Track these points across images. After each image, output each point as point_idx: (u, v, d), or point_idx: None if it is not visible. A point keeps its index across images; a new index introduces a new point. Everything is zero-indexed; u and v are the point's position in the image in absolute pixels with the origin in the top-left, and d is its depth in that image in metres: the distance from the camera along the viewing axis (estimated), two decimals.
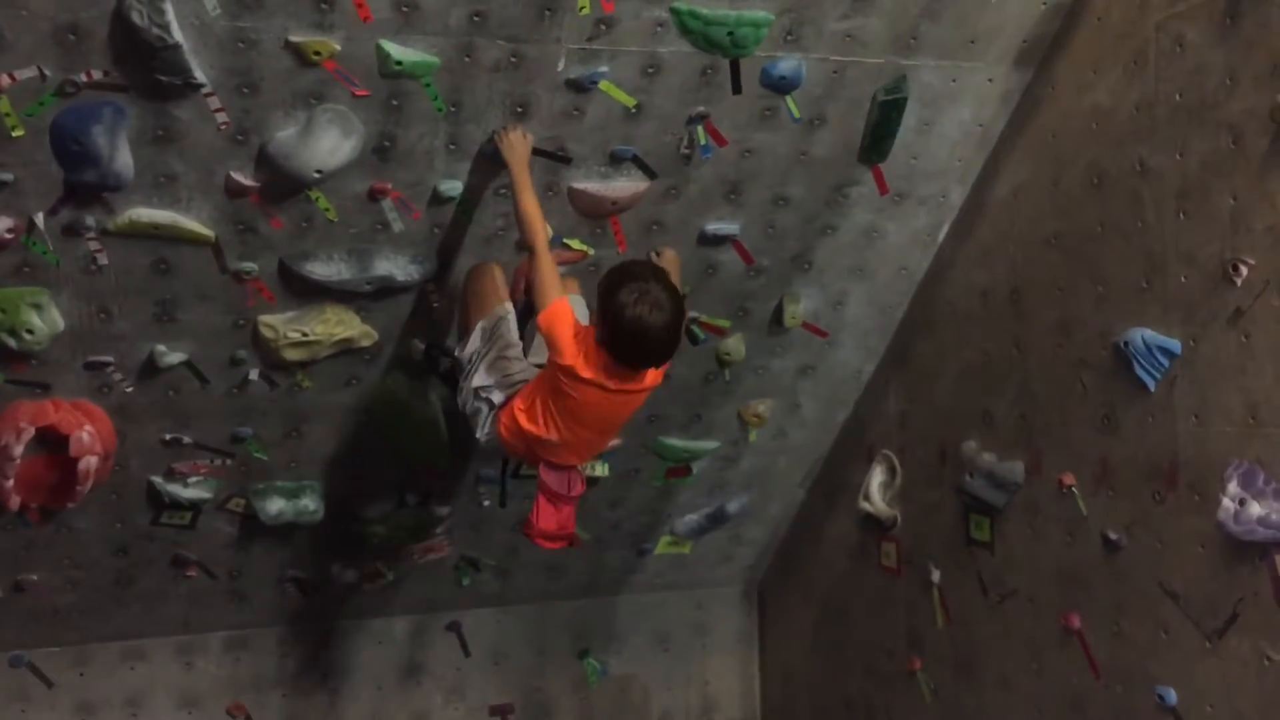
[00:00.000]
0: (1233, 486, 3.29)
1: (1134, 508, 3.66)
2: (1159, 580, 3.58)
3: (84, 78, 3.21)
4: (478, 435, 3.65)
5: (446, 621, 5.28)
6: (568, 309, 3.40)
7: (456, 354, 3.77)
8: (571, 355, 3.33)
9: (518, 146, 3.59)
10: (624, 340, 3.27)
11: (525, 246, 3.58)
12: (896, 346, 4.71)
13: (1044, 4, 3.79)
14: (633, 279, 3.26)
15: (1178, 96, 3.45)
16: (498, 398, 3.58)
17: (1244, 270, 3.26)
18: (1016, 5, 3.76)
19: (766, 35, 3.61)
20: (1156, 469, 3.57)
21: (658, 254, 3.98)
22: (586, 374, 3.33)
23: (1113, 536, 3.72)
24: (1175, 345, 3.47)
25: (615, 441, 4.33)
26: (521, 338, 3.72)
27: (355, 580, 4.86)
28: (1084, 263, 3.80)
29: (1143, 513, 3.63)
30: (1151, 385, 3.55)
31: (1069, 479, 3.88)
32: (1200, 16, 3.36)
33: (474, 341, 3.68)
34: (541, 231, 3.50)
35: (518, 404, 3.51)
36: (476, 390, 3.61)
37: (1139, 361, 3.56)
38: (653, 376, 3.46)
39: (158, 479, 4.26)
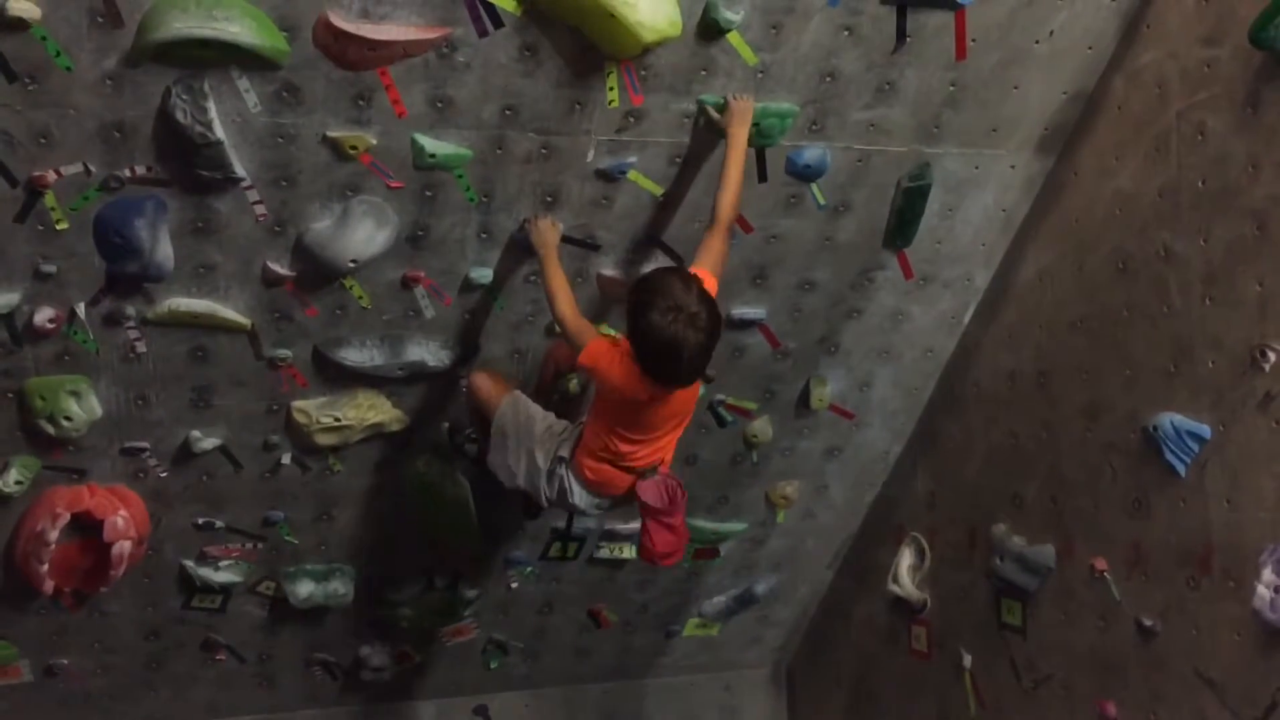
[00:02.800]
0: (1268, 573, 3.26)
1: (1168, 593, 3.62)
2: (1195, 667, 3.54)
3: (128, 173, 3.30)
4: (579, 504, 3.65)
5: (474, 705, 5.24)
6: (604, 345, 3.39)
7: (489, 462, 3.80)
8: (620, 380, 3.31)
9: (546, 233, 3.66)
10: (657, 361, 3.20)
11: (555, 319, 3.60)
12: (924, 428, 4.71)
13: (1065, 93, 3.84)
14: (663, 294, 3.13)
15: (1200, 183, 3.48)
16: (565, 451, 3.60)
17: (1272, 356, 3.26)
18: (1037, 94, 3.83)
19: (792, 125, 3.68)
20: (1190, 554, 3.55)
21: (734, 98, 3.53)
22: (640, 396, 3.32)
23: (1147, 623, 3.68)
24: (1205, 430, 3.47)
25: None
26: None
27: (383, 663, 4.85)
28: (1111, 347, 3.81)
29: (1177, 598, 3.59)
30: (1182, 470, 3.54)
31: (1101, 563, 3.85)
32: (1221, 106, 3.41)
33: (495, 444, 3.74)
34: (568, 302, 3.52)
35: (584, 448, 3.52)
36: (552, 470, 3.62)
37: (1168, 446, 3.55)
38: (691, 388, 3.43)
39: (189, 563, 4.29)
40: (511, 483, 3.74)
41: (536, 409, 3.76)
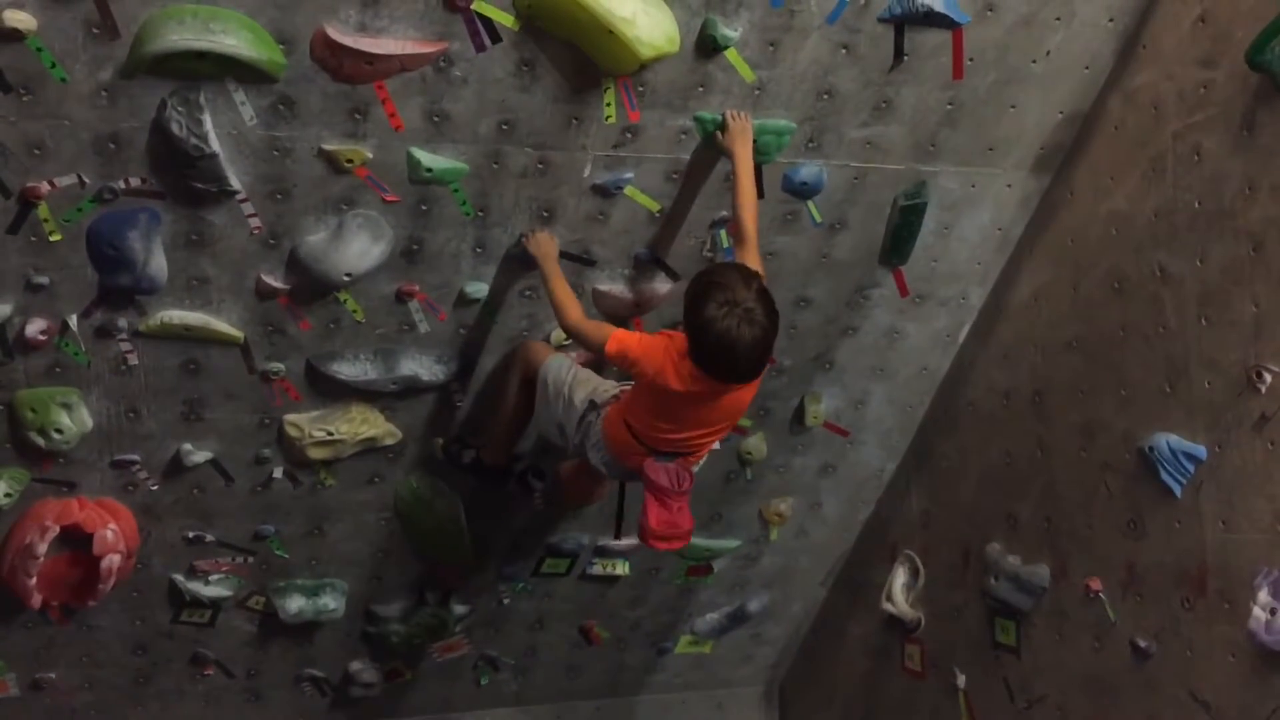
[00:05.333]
0: (1263, 595, 3.25)
1: (1163, 614, 3.61)
2: (1190, 689, 3.53)
3: (122, 185, 3.29)
4: (590, 458, 3.60)
5: None
6: (626, 333, 3.35)
7: (541, 415, 3.76)
8: (655, 367, 3.22)
9: (545, 245, 3.65)
10: (711, 356, 3.11)
11: (565, 329, 3.57)
12: (918, 446, 4.70)
13: (1061, 113, 3.85)
14: (721, 288, 3.06)
15: (1196, 204, 3.49)
16: (601, 399, 3.55)
17: (1268, 377, 3.26)
18: (1034, 114, 3.83)
19: (789, 143, 3.68)
20: (1185, 575, 3.54)
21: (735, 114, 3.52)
22: (679, 387, 3.22)
23: (1142, 644, 3.67)
24: (1200, 451, 3.46)
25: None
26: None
27: (373, 679, 4.81)
28: (1106, 367, 3.80)
29: (1172, 620, 3.58)
30: (1178, 491, 3.53)
31: (1096, 584, 3.84)
32: (1217, 127, 3.41)
33: (539, 393, 3.70)
34: (575, 309, 3.51)
35: (617, 407, 3.46)
36: (583, 417, 3.55)
37: (1164, 467, 3.54)
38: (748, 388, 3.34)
39: (179, 576, 4.25)
40: (552, 433, 3.72)
41: (569, 362, 3.73)
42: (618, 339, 3.36)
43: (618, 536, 4.16)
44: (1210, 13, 3.43)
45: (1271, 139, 3.26)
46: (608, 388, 3.63)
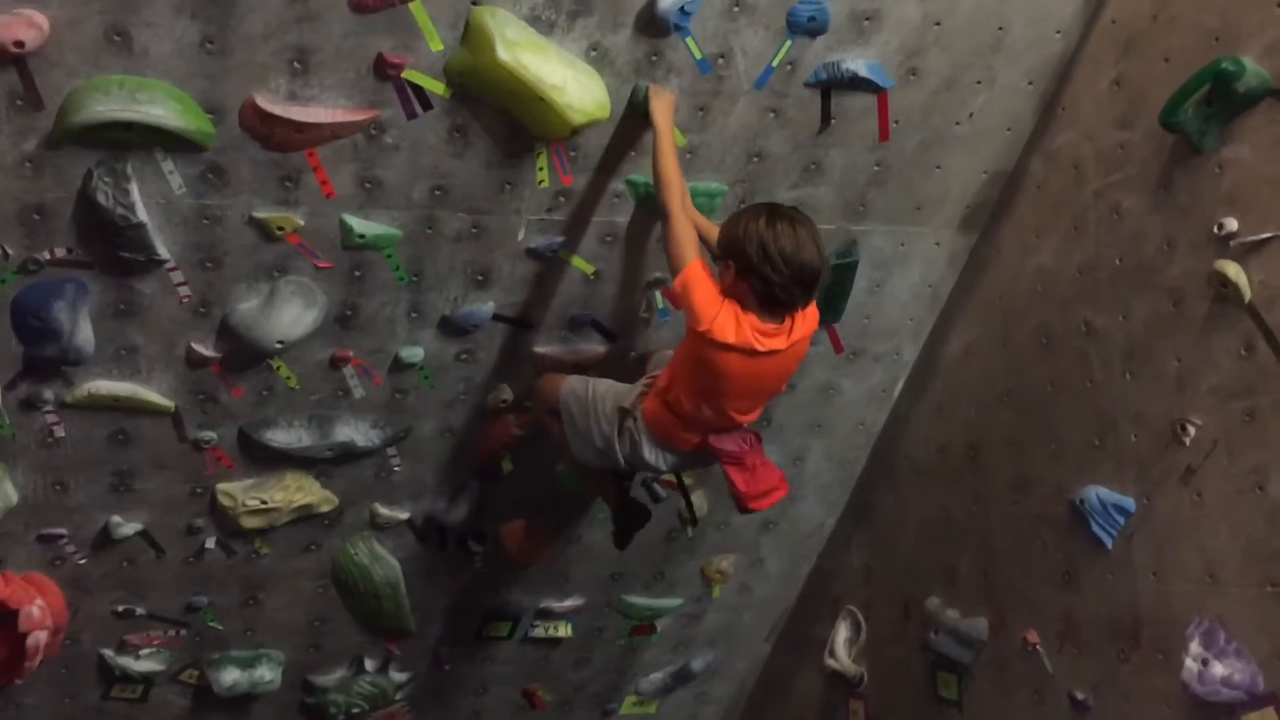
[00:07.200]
0: (1195, 646, 3.29)
1: (1100, 666, 3.65)
2: None
3: (47, 255, 3.24)
4: (647, 458, 3.43)
5: None
6: (703, 270, 3.11)
7: (575, 444, 3.58)
8: (709, 319, 3.05)
9: (667, 106, 3.31)
10: (779, 268, 2.98)
11: (660, 207, 3.27)
12: (858, 500, 4.73)
13: (985, 173, 3.93)
14: (752, 213, 3.05)
15: (1118, 261, 3.57)
16: (629, 403, 3.40)
17: (1192, 430, 3.33)
18: (959, 174, 3.91)
19: (721, 205, 3.71)
20: (1120, 627, 3.58)
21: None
22: (729, 338, 3.06)
23: (1080, 696, 3.70)
24: (1130, 503, 3.52)
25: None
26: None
27: None
28: (1037, 420, 3.86)
29: (1108, 672, 3.62)
30: (1109, 543, 3.58)
31: (1033, 637, 3.87)
32: (1135, 186, 3.51)
33: (566, 426, 3.55)
34: (679, 194, 3.24)
35: (656, 391, 3.32)
36: (620, 428, 3.40)
37: (1095, 519, 3.60)
38: (804, 325, 3.19)
39: (109, 652, 4.16)
40: (593, 457, 3.54)
41: (582, 381, 3.59)
42: (691, 277, 3.09)
43: (621, 547, 4.04)
44: (1125, 76, 3.53)
45: (1188, 197, 3.35)
46: (629, 389, 3.49)
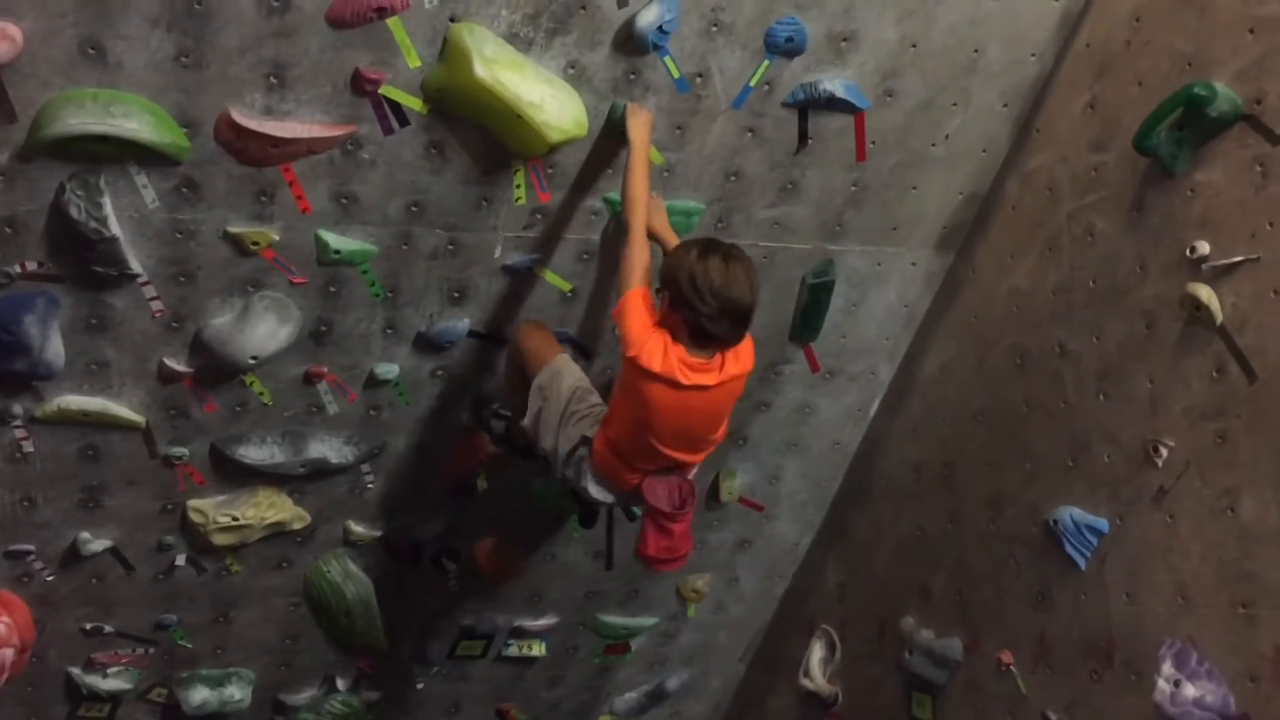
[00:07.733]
0: (1167, 667, 3.30)
1: (1073, 687, 3.65)
2: None
3: (18, 269, 3.21)
4: (590, 491, 3.38)
5: None
6: (640, 299, 3.12)
7: (523, 424, 3.52)
8: (638, 345, 3.05)
9: (644, 125, 3.32)
10: (708, 301, 2.97)
11: (622, 224, 3.29)
12: (833, 520, 4.73)
13: (961, 194, 3.96)
14: (689, 246, 3.06)
15: (1091, 282, 3.59)
16: (589, 430, 3.33)
17: (1164, 451, 3.35)
18: (935, 194, 3.93)
19: (698, 224, 3.72)
20: (1093, 647, 3.58)
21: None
22: (654, 366, 3.04)
23: (1053, 716, 3.70)
24: (1103, 524, 3.53)
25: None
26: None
27: None
28: (1012, 440, 3.88)
29: (1082, 692, 3.62)
30: (1082, 563, 3.59)
31: (1007, 657, 3.87)
32: (1109, 208, 3.53)
33: (532, 404, 3.45)
34: (643, 214, 3.23)
35: (603, 421, 3.27)
36: (573, 451, 3.35)
37: (1069, 540, 3.61)
38: (735, 364, 3.15)
39: (76, 670, 4.11)
40: (535, 438, 3.48)
41: (571, 378, 3.44)
42: (629, 304, 3.11)
43: (609, 567, 4.08)
44: (1099, 99, 3.56)
45: (1160, 220, 3.38)
46: (590, 411, 3.38)
